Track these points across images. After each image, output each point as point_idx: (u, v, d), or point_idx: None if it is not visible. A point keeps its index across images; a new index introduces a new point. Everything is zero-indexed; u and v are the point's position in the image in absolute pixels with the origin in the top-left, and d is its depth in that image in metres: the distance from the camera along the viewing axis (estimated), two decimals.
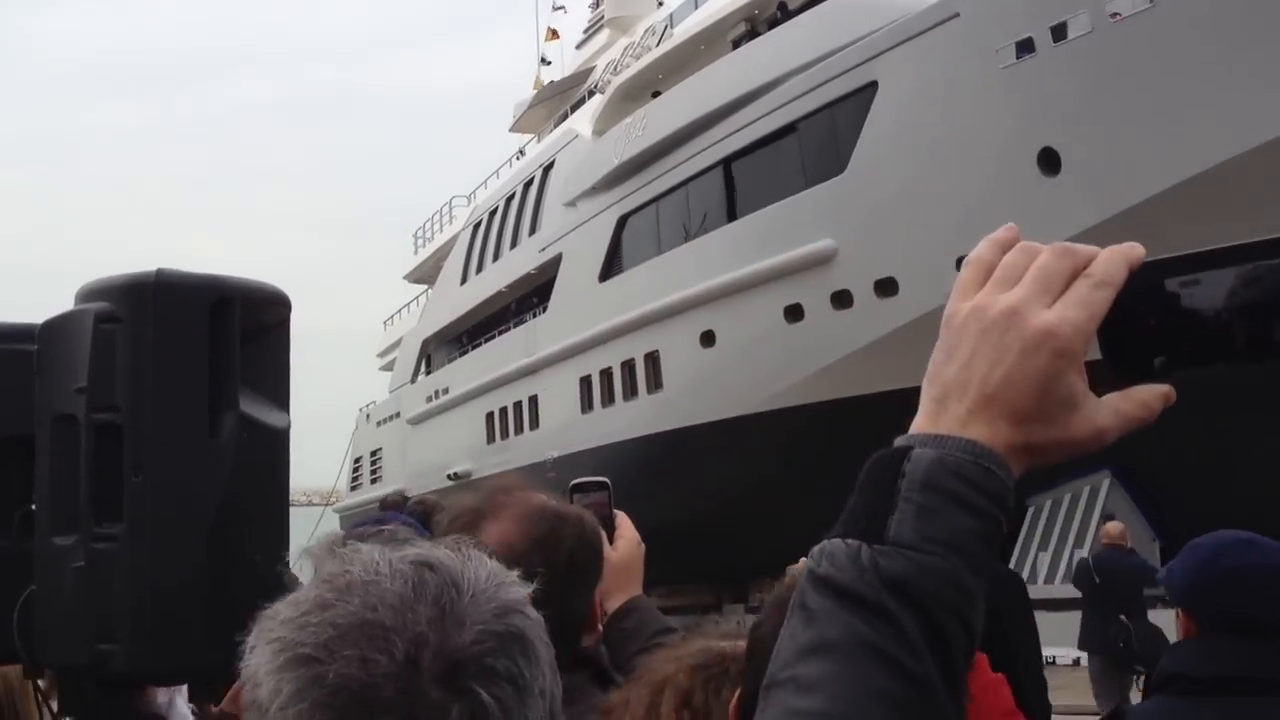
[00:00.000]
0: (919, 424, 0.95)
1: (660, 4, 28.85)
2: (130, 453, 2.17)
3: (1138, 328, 0.97)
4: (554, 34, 33.30)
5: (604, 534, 2.07)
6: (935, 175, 16.38)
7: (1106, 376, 0.96)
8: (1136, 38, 14.48)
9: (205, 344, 2.29)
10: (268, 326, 2.47)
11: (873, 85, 17.10)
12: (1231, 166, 14.08)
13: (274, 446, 2.41)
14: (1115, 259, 0.94)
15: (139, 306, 2.28)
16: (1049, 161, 15.55)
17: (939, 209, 16.28)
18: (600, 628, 2.03)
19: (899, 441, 0.94)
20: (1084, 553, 14.60)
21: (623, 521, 2.28)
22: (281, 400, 2.49)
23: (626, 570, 2.23)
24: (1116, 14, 14.74)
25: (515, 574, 1.01)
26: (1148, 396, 0.95)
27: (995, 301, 0.93)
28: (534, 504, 1.88)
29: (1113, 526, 12.07)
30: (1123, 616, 11.12)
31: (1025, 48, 15.57)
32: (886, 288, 17.49)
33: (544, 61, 33.52)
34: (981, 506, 0.90)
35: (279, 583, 1.82)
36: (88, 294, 2.37)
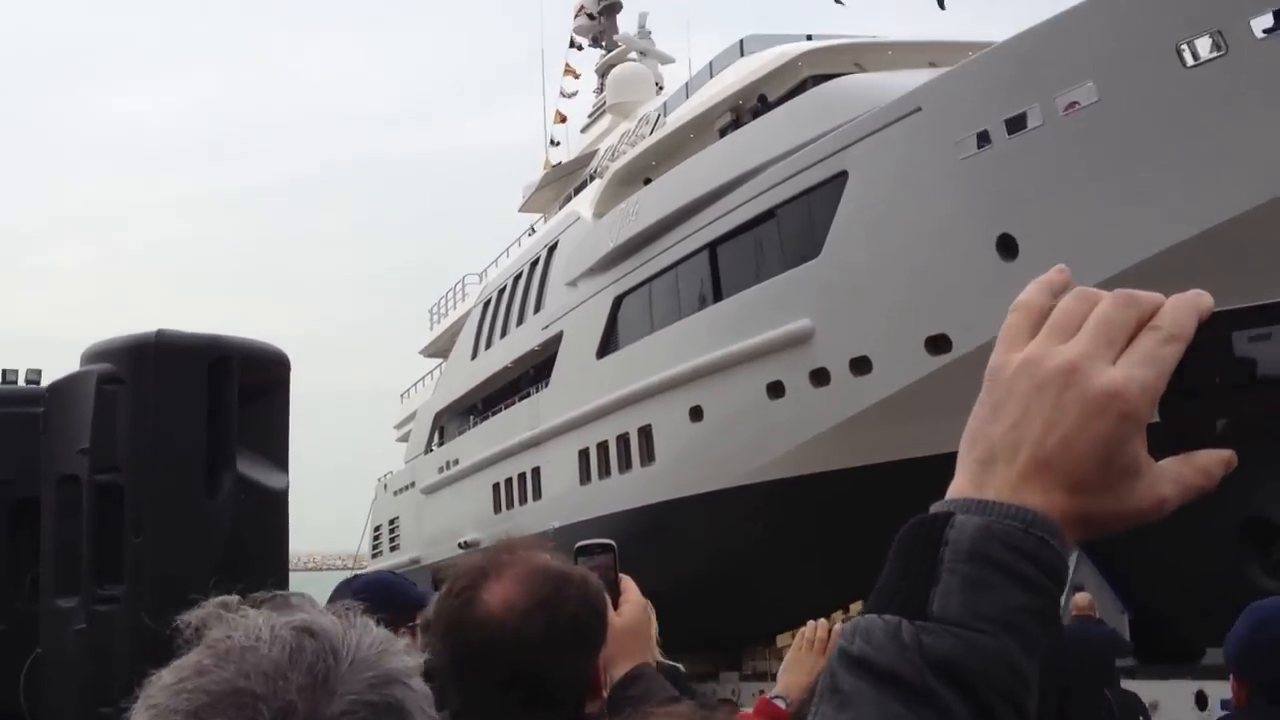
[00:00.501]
0: (960, 487, 0.86)
1: (660, 89, 30.09)
2: (131, 513, 2.16)
3: (1201, 385, 0.87)
4: (562, 117, 34.57)
5: (609, 598, 2.02)
6: (903, 259, 17.22)
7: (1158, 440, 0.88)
8: (1086, 129, 15.34)
9: (204, 404, 2.30)
10: (267, 386, 2.47)
11: (843, 175, 18.02)
12: (1179, 250, 14.84)
13: (272, 507, 2.38)
14: (1184, 309, 0.86)
15: (140, 367, 2.30)
16: (1007, 247, 16.36)
17: (907, 291, 17.12)
18: (605, 694, 1.95)
19: (937, 507, 0.86)
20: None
21: (628, 585, 2.22)
22: (280, 460, 2.48)
23: (632, 636, 2.16)
24: (1074, 103, 15.58)
25: (404, 643, 0.97)
26: (1209, 462, 0.87)
27: (1052, 354, 0.85)
28: (537, 564, 1.82)
29: (1081, 598, 12.01)
30: (1106, 690, 11.42)
31: (983, 139, 16.46)
32: (861, 366, 18.28)
33: (553, 143, 34.78)
34: (1035, 580, 0.81)
35: (168, 645, 1.98)
36: (92, 355, 2.39)
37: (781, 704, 3.03)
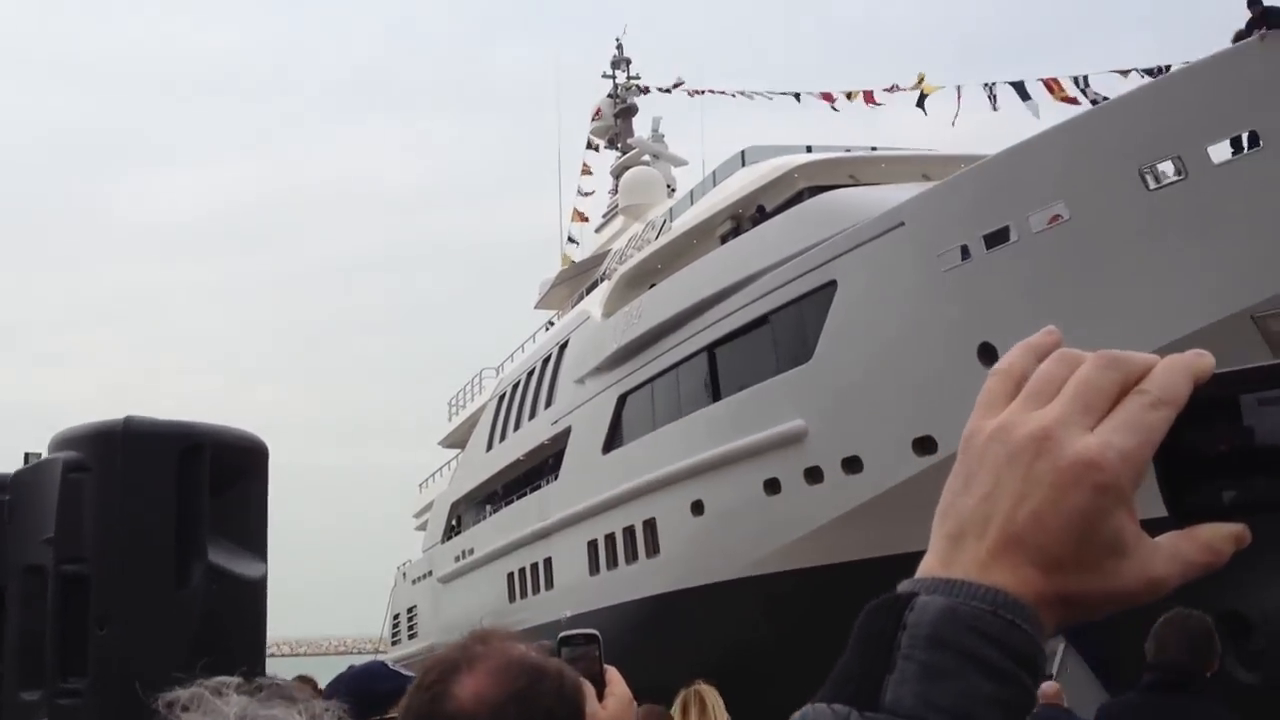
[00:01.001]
0: (928, 565, 0.80)
1: (671, 191, 31.27)
2: (96, 604, 2.10)
3: (1203, 454, 0.79)
4: (581, 216, 35.78)
5: (590, 690, 1.97)
6: (889, 364, 18.06)
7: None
8: (1058, 245, 16.23)
9: (173, 492, 2.24)
10: (243, 473, 2.41)
11: (833, 284, 18.95)
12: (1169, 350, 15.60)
13: (247, 596, 2.33)
14: (1175, 371, 0.78)
15: (107, 455, 2.24)
16: (988, 354, 17.16)
17: (894, 394, 17.93)
18: None
19: (904, 586, 0.79)
20: None
21: (613, 677, 2.17)
22: (258, 549, 2.41)
23: None
24: (1057, 216, 16.48)
25: None
26: (1214, 538, 0.79)
27: (1024, 421, 0.78)
28: (512, 656, 1.75)
29: (1048, 687, 12.72)
30: None
31: (964, 253, 17.36)
32: (852, 465, 19.03)
33: (570, 240, 35.97)
34: (1002, 668, 0.74)
35: None
36: (59, 443, 2.34)
37: None
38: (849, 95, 24.71)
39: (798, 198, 21.51)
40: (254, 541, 2.42)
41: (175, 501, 2.25)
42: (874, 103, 24.13)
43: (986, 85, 21.08)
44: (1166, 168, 15.18)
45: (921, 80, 22.31)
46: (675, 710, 5.48)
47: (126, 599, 2.16)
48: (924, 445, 17.88)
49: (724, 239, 23.25)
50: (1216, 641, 5.29)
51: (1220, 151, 15.04)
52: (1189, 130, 14.90)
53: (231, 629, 2.26)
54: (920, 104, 22.08)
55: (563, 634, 2.18)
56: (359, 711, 2.10)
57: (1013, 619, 0.75)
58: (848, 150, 23.05)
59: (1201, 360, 0.80)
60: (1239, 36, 15.11)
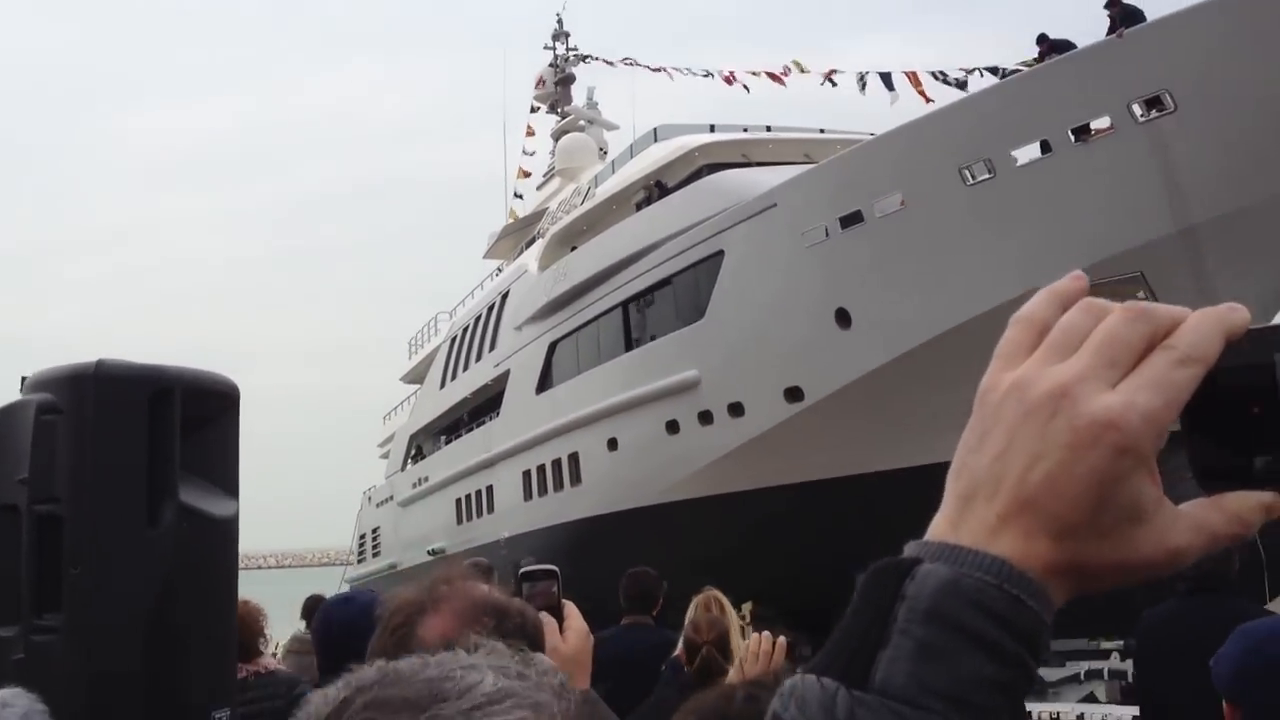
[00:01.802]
0: (937, 526, 0.75)
1: (603, 154, 34.09)
2: (69, 544, 2.14)
3: (1234, 416, 0.74)
4: (525, 173, 38.61)
5: (551, 625, 2.02)
6: (765, 324, 21.16)
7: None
8: (897, 228, 19.27)
9: (145, 434, 2.28)
10: (214, 415, 2.46)
11: (721, 253, 21.98)
12: (966, 326, 18.77)
13: (218, 535, 2.37)
14: (1206, 326, 0.73)
15: (79, 397, 2.28)
16: (843, 317, 20.30)
17: (769, 350, 21.05)
18: None
19: (909, 549, 0.74)
20: None
21: (571, 611, 2.17)
22: (230, 487, 2.47)
23: (576, 663, 2.08)
24: (903, 202, 19.40)
25: None
26: (1243, 508, 0.74)
27: (1043, 376, 0.73)
28: (475, 597, 1.77)
29: None
30: None
31: (825, 232, 20.41)
32: (736, 410, 22.22)
33: (516, 195, 38.80)
34: (1003, 647, 0.69)
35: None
36: (32, 385, 2.39)
37: None
38: (753, 73, 27.56)
39: (697, 174, 24.44)
40: (225, 481, 2.45)
41: (146, 443, 2.28)
42: (780, 82, 26.96)
43: (859, 74, 23.98)
44: (979, 167, 18.20)
45: (798, 65, 25.24)
46: (697, 611, 5.74)
47: (99, 538, 2.19)
48: (793, 394, 21.08)
49: (638, 206, 26.19)
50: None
51: (1027, 153, 18.07)
52: (996, 137, 17.91)
53: (203, 565, 2.31)
54: (830, 80, 24.93)
55: (523, 569, 2.19)
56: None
57: (1018, 594, 0.70)
58: (745, 130, 25.94)
59: (1235, 315, 0.74)
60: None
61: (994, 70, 20.61)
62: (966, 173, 18.37)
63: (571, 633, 2.12)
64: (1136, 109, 16.47)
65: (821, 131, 25.89)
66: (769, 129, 26.17)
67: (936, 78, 22.36)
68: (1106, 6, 17.37)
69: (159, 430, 2.28)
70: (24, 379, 2.41)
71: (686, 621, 5.50)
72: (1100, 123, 16.90)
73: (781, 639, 3.64)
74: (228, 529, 2.38)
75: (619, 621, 7.47)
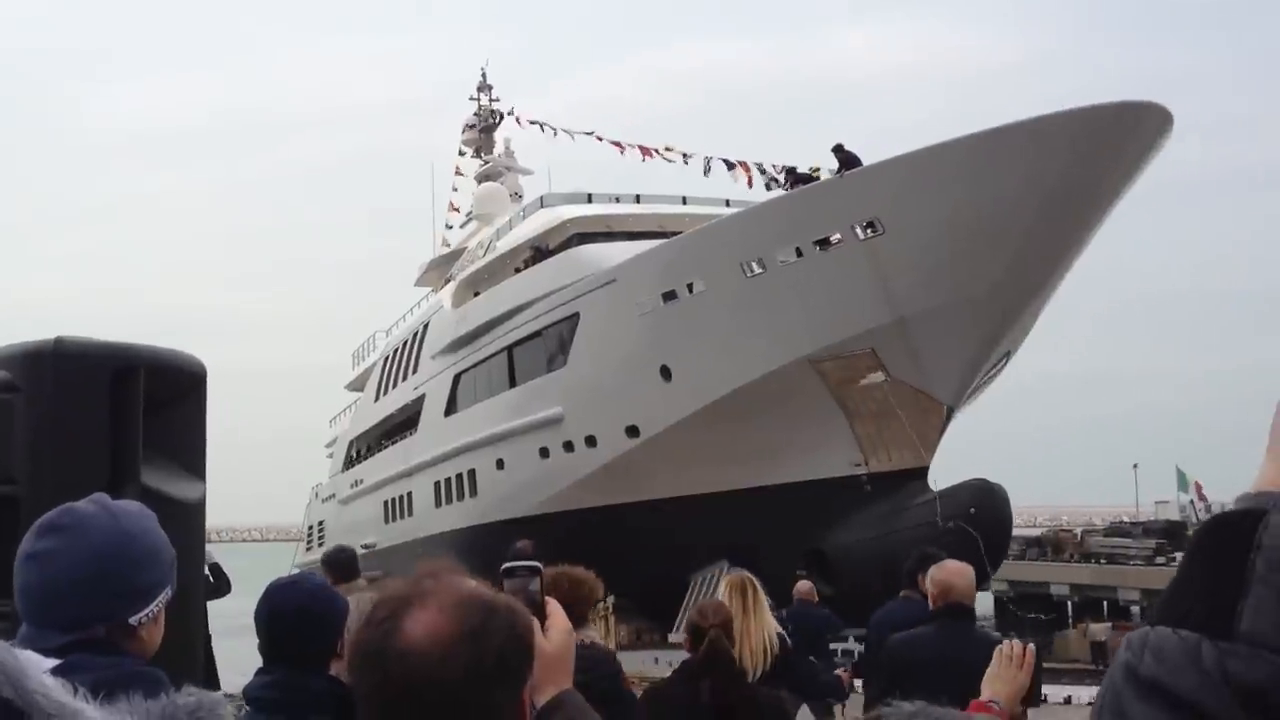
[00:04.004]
0: (1269, 477, 0.73)
1: (518, 198, 39.05)
2: (26, 526, 1.99)
3: None
4: (454, 208, 43.56)
5: (536, 624, 1.93)
6: (610, 374, 26.23)
7: None
8: (701, 306, 24.33)
9: (106, 414, 2.20)
10: (180, 394, 2.39)
11: (577, 315, 27.06)
12: (754, 383, 23.87)
13: (183, 519, 2.26)
14: None
15: (37, 376, 2.21)
16: (666, 373, 25.39)
17: (613, 395, 26.13)
18: None
19: (1243, 501, 0.72)
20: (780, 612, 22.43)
21: (554, 609, 2.07)
22: (196, 469, 2.42)
23: (558, 661, 2.01)
24: (705, 286, 24.48)
25: None
26: None
27: None
28: (463, 592, 1.67)
29: (803, 585, 12.40)
30: (812, 658, 17.04)
31: (650, 305, 25.47)
32: (591, 441, 27.32)
33: (447, 226, 43.77)
34: None
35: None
36: None
37: (995, 706, 3.47)
38: (631, 145, 32.56)
39: (568, 241, 29.48)
40: (191, 462, 2.37)
41: (108, 423, 2.19)
42: (649, 156, 31.96)
43: (706, 159, 29.02)
44: (755, 264, 23.28)
45: (667, 148, 30.27)
46: (729, 593, 6.11)
47: None
48: (632, 431, 26.18)
49: (526, 263, 31.24)
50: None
51: (785, 255, 23.13)
52: (767, 241, 22.99)
53: None
54: (690, 163, 29.93)
55: (506, 565, 2.09)
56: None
57: None
58: (617, 199, 30.96)
59: None
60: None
61: (791, 170, 25.55)
62: (746, 267, 23.45)
63: (555, 631, 2.03)
64: (857, 229, 21.58)
65: (684, 201, 30.90)
66: (638, 198, 31.18)
67: (760, 170, 27.37)
68: (834, 151, 22.46)
69: (122, 410, 2.19)
70: None
71: (692, 608, 5.59)
72: (835, 237, 22.00)
73: (1031, 645, 3.78)
74: (193, 512, 2.30)
75: None
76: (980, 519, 21.30)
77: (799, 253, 22.63)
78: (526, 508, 29.31)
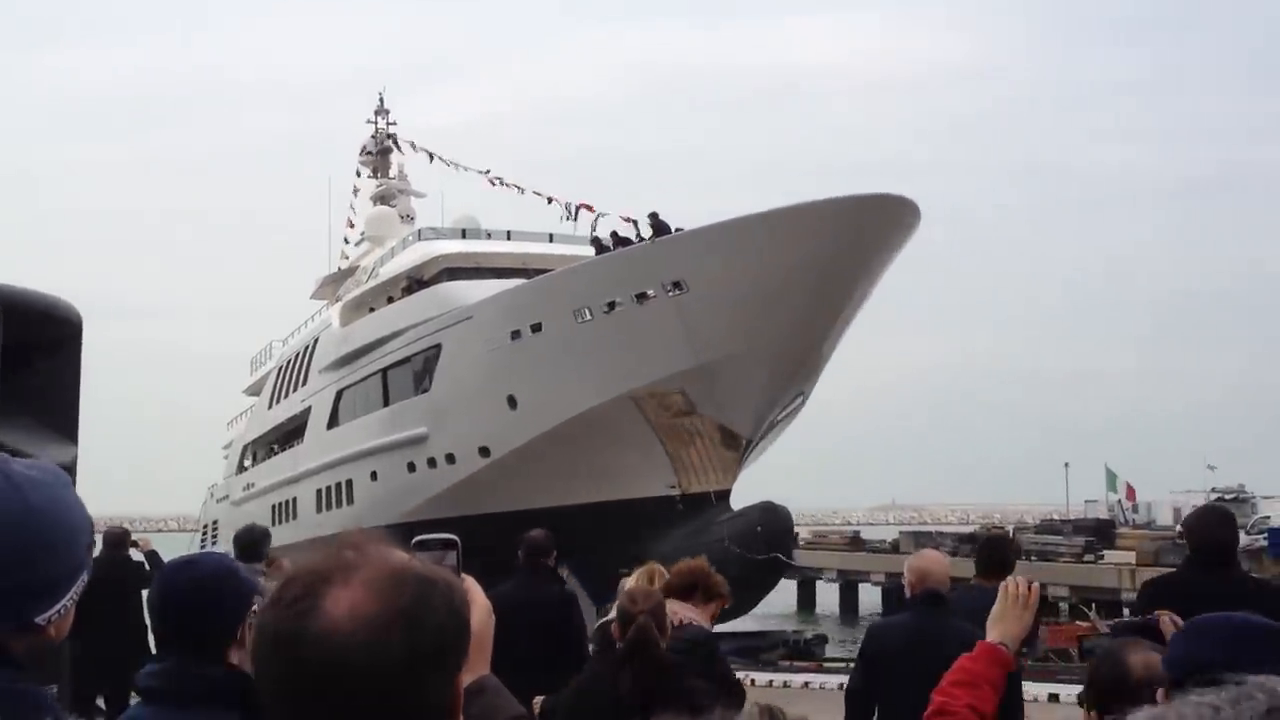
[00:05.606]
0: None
1: (410, 220, 42.00)
2: None
3: None
4: (351, 224, 46.36)
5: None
6: (465, 401, 29.36)
7: None
8: (543, 345, 27.54)
9: None
10: (50, 345, 2.13)
11: (439, 345, 30.18)
12: (582, 415, 27.10)
13: None
14: None
15: None
16: (512, 402, 28.57)
17: (468, 419, 29.27)
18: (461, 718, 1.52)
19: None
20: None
21: (472, 586, 1.84)
22: (67, 430, 2.17)
23: (478, 644, 1.76)
24: (543, 328, 27.70)
25: None
26: None
27: None
28: (394, 565, 1.43)
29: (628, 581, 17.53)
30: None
31: (500, 341, 28.62)
32: (450, 459, 30.44)
33: (345, 241, 46.59)
34: None
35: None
36: None
37: (1004, 648, 3.40)
38: (509, 185, 35.72)
39: (439, 276, 32.59)
40: (61, 422, 2.13)
41: None
42: (519, 190, 35.13)
43: (567, 204, 32.28)
44: (584, 311, 26.55)
45: (536, 192, 33.54)
46: (640, 579, 6.02)
47: None
48: (484, 451, 29.35)
49: (404, 291, 34.27)
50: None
51: (607, 306, 26.39)
52: (594, 293, 26.27)
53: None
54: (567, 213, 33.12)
55: (418, 538, 1.90)
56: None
57: None
58: (489, 235, 34.14)
59: None
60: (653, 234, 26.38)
61: (613, 234, 28.84)
62: (578, 314, 26.72)
63: (475, 607, 1.71)
64: (666, 287, 24.96)
65: (550, 239, 34.09)
66: (509, 235, 34.36)
67: (602, 214, 30.66)
68: (649, 218, 25.89)
69: None
70: None
71: (623, 591, 5.35)
72: (650, 292, 25.36)
73: (1036, 583, 3.65)
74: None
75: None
76: (765, 536, 24.95)
77: (620, 304, 25.96)
78: (395, 516, 32.31)
